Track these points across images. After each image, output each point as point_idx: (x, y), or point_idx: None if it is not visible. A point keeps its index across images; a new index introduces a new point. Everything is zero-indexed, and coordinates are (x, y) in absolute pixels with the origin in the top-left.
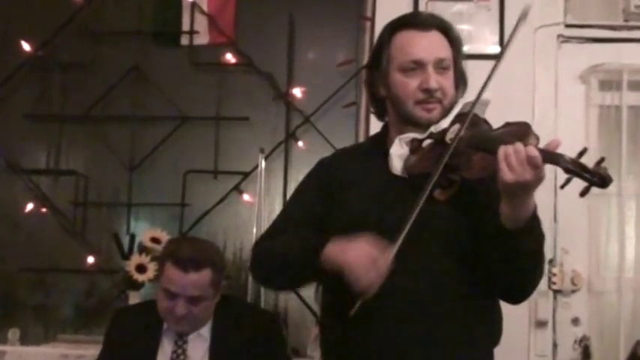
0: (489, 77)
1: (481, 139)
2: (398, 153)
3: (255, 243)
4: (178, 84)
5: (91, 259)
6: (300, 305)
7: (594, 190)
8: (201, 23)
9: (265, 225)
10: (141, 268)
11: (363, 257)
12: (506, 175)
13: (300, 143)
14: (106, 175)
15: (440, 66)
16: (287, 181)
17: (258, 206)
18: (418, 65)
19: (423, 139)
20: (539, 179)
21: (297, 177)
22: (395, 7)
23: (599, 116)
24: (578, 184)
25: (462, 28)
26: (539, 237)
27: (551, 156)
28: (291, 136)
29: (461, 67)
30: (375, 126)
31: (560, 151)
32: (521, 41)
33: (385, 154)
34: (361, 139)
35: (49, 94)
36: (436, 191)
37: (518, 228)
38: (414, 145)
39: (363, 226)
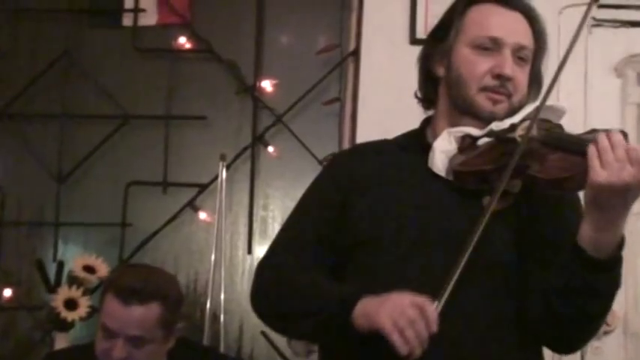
0: (554, 80)
1: (563, 137)
2: (443, 148)
3: (258, 267)
4: (119, 74)
5: (8, 292)
6: (269, 350)
7: (632, 208)
8: None
9: (227, 250)
10: (70, 304)
11: (406, 316)
12: (599, 174)
13: (271, 148)
14: (28, 187)
15: (519, 54)
16: (254, 195)
17: (217, 227)
18: (495, 44)
19: (478, 137)
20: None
21: (265, 191)
22: None
23: (637, 116)
24: None
25: None
26: (618, 278)
27: None
28: (258, 140)
29: (539, 66)
30: (365, 128)
31: None
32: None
33: (424, 150)
34: (346, 142)
35: None
36: (485, 199)
37: (599, 259)
38: (466, 144)
39: (392, 241)
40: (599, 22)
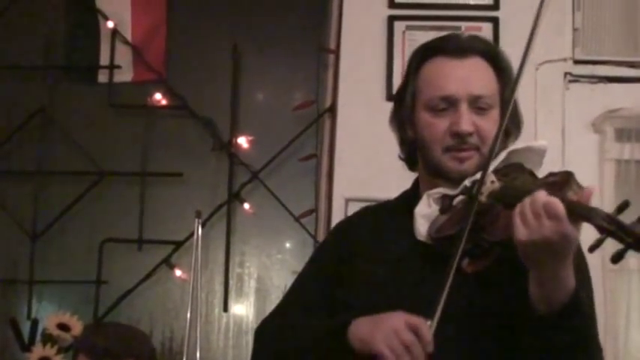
0: (501, 125)
1: (507, 190)
2: (424, 213)
3: (258, 327)
4: (95, 131)
5: None
6: None
7: (611, 265)
8: (124, 56)
9: (203, 307)
10: None
11: (402, 340)
12: (520, 232)
13: (247, 205)
14: (2, 244)
15: (477, 105)
16: (229, 252)
17: (193, 284)
18: (449, 103)
19: (454, 196)
20: (564, 237)
21: (242, 248)
22: (365, 37)
23: (615, 172)
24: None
25: None
26: (584, 328)
27: (580, 209)
28: (235, 197)
29: (513, 107)
30: (341, 185)
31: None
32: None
33: (412, 214)
34: (323, 199)
35: None
36: (464, 261)
37: (552, 313)
38: (445, 204)
39: (381, 307)
40: (576, 78)
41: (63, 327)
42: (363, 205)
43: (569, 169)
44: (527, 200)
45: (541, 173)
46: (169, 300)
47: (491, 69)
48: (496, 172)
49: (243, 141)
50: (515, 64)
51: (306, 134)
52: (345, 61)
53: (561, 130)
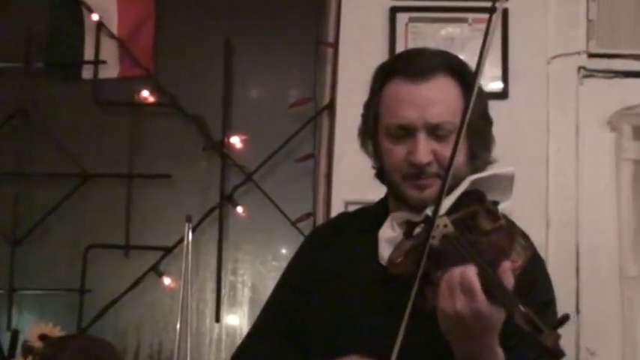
0: (466, 112)
1: (444, 253)
2: (387, 236)
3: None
4: (78, 130)
5: None
6: None
7: (630, 271)
8: (110, 50)
9: (193, 318)
10: None
11: None
12: (440, 302)
13: (240, 209)
14: None
15: (437, 133)
16: (222, 259)
17: (183, 293)
18: (406, 131)
19: (417, 223)
20: (476, 316)
21: (234, 254)
22: (365, 29)
23: (633, 173)
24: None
25: None
26: None
27: (501, 291)
28: (227, 200)
29: (479, 126)
30: (341, 186)
31: (582, 226)
32: (531, 75)
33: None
34: (321, 202)
35: None
36: (420, 299)
37: None
38: (409, 229)
39: (338, 337)
40: (590, 73)
41: (45, 338)
42: None
43: (583, 170)
44: (447, 275)
45: (547, 177)
46: (158, 310)
47: (458, 86)
48: (454, 207)
49: (236, 140)
50: (525, 59)
51: (303, 133)
52: (344, 55)
53: (575, 129)
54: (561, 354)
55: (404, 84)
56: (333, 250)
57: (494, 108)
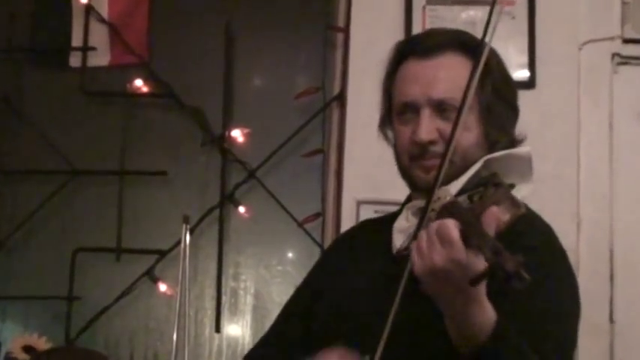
0: (468, 86)
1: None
2: (401, 227)
3: (245, 357)
4: (66, 122)
5: None
6: None
7: None
8: (100, 36)
9: (191, 327)
10: None
11: None
12: (415, 263)
13: (242, 209)
14: None
15: (442, 108)
16: (222, 263)
17: (180, 300)
18: (411, 110)
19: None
20: (457, 265)
21: (236, 258)
22: (377, 14)
23: None
24: None
25: None
26: None
27: (481, 239)
28: (228, 199)
29: (491, 105)
30: (352, 184)
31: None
32: (560, 63)
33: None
34: (330, 200)
35: None
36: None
37: (471, 353)
38: (423, 216)
39: (342, 326)
40: (625, 60)
41: (29, 350)
42: (376, 208)
43: (618, 166)
44: (423, 232)
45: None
46: (153, 319)
47: (470, 63)
48: (481, 179)
49: (237, 134)
50: (554, 45)
51: (311, 126)
52: (355, 40)
53: (608, 120)
54: (524, 279)
55: (414, 62)
56: (354, 243)
57: (520, 98)
